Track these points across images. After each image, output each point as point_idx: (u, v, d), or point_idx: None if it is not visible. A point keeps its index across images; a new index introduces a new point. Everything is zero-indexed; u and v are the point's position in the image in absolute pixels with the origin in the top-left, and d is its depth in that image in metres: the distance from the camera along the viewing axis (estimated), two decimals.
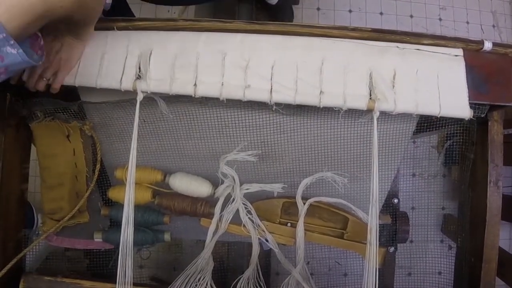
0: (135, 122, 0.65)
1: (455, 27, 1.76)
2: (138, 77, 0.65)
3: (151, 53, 0.65)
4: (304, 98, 0.63)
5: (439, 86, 0.65)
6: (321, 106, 0.63)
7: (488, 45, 0.66)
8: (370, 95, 0.63)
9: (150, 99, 0.67)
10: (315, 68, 0.65)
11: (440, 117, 0.66)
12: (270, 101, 0.63)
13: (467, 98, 0.64)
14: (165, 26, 0.67)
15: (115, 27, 0.67)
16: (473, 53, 0.67)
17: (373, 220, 0.62)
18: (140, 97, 0.64)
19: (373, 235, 0.62)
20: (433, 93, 0.64)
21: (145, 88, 0.64)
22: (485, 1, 1.80)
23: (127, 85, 0.64)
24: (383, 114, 0.63)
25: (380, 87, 0.63)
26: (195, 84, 0.64)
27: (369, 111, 0.63)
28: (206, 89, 0.64)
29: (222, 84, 0.64)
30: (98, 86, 0.64)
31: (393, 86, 0.64)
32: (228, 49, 0.66)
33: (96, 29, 0.67)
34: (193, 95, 0.64)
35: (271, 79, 0.64)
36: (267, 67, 0.65)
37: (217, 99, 0.65)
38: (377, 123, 0.63)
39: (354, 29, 0.66)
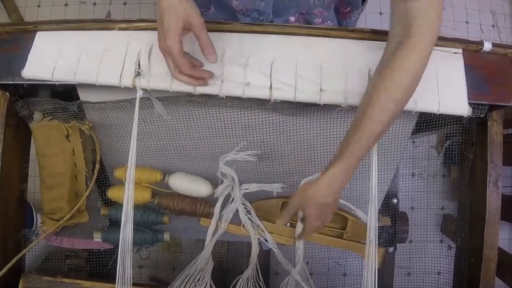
0: (135, 120, 0.65)
1: (454, 27, 1.76)
2: (138, 74, 0.65)
3: (151, 49, 0.65)
4: (305, 95, 0.63)
5: (438, 83, 0.65)
6: (322, 103, 0.63)
7: (487, 46, 0.66)
8: None
9: (150, 99, 0.67)
10: (315, 65, 0.65)
11: (439, 115, 0.66)
12: (270, 99, 0.63)
13: (466, 96, 0.64)
14: None
15: (117, 27, 0.67)
16: (472, 54, 0.67)
17: (372, 216, 0.62)
18: (139, 93, 0.64)
19: (372, 232, 0.62)
20: (432, 90, 0.64)
21: (145, 85, 0.64)
22: (484, 1, 1.79)
23: (126, 82, 0.64)
24: None
25: None
26: None
27: None
28: (205, 86, 0.63)
29: (222, 81, 0.64)
30: (98, 83, 0.64)
31: None
32: (227, 46, 0.66)
33: (97, 29, 0.67)
34: (193, 92, 0.64)
35: (270, 76, 0.64)
36: (267, 64, 0.65)
37: (217, 99, 0.65)
38: None
39: (354, 30, 0.66)
